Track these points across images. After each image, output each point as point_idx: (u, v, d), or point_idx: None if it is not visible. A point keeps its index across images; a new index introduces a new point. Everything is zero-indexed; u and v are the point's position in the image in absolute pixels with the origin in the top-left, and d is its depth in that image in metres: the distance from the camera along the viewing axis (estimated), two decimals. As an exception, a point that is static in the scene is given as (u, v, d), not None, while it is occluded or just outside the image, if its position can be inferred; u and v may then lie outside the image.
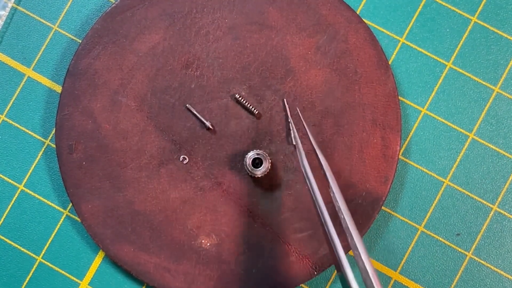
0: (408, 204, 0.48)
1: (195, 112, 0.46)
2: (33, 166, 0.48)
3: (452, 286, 0.47)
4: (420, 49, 0.49)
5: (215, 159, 0.47)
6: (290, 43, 0.47)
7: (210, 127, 0.46)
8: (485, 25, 0.49)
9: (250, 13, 0.48)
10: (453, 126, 0.48)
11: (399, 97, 0.48)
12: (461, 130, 0.48)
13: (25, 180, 0.48)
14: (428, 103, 0.49)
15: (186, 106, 0.46)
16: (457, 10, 0.49)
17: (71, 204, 0.48)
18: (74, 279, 0.48)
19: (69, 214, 0.48)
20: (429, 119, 0.49)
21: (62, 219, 0.48)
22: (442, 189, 0.48)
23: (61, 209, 0.48)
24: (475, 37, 0.49)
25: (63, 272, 0.48)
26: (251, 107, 0.47)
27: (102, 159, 0.47)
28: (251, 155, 0.45)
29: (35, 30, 0.49)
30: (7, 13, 0.49)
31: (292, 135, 0.46)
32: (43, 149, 0.49)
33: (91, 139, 0.47)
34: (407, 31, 0.49)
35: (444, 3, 0.49)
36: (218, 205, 0.46)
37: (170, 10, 0.48)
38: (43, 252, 0.48)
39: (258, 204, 0.46)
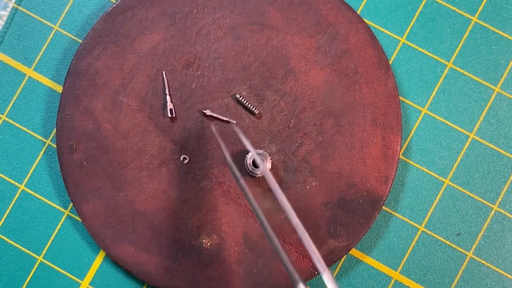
0: (408, 204, 0.48)
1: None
2: (34, 166, 0.48)
3: (453, 286, 0.47)
4: (421, 49, 0.49)
5: (215, 159, 0.47)
6: (291, 43, 0.47)
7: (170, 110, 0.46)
8: (486, 25, 0.49)
9: (250, 13, 0.48)
10: (453, 126, 0.49)
11: (400, 97, 0.48)
12: (461, 130, 0.48)
13: (26, 180, 0.48)
14: (428, 103, 0.49)
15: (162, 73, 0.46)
16: (457, 10, 0.49)
17: (71, 204, 0.48)
18: (75, 279, 0.48)
19: (69, 214, 0.48)
20: (429, 119, 0.49)
21: (63, 219, 0.48)
22: (443, 189, 0.48)
23: (62, 209, 0.48)
24: (476, 37, 0.49)
25: (64, 272, 0.48)
26: (251, 107, 0.47)
27: (103, 159, 0.47)
28: (251, 155, 0.45)
29: (36, 30, 0.49)
30: (8, 13, 0.49)
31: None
32: (44, 149, 0.49)
33: (92, 139, 0.47)
34: (407, 31, 0.49)
35: (444, 3, 0.49)
36: (218, 205, 0.46)
37: (171, 10, 0.48)
38: (44, 252, 0.48)
39: (258, 204, 0.46)
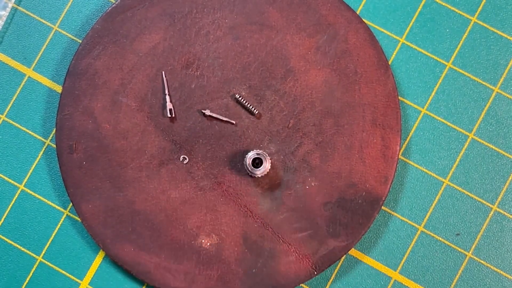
0: (408, 204, 0.48)
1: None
2: (34, 166, 0.49)
3: (452, 286, 0.47)
4: (420, 49, 0.49)
5: (215, 159, 0.47)
6: (290, 43, 0.47)
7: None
8: (485, 25, 0.49)
9: (250, 13, 0.48)
10: (453, 126, 0.49)
11: (399, 97, 0.48)
12: (461, 130, 0.49)
13: (25, 180, 0.48)
14: (428, 103, 0.49)
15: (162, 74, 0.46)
16: (457, 10, 0.49)
17: (71, 204, 0.48)
18: (75, 279, 0.48)
19: (69, 214, 0.48)
20: (429, 119, 0.49)
21: (62, 219, 0.48)
22: (442, 189, 0.48)
23: (62, 209, 0.48)
24: (475, 37, 0.49)
25: (63, 272, 0.48)
26: (251, 107, 0.47)
27: (103, 159, 0.47)
28: (251, 155, 0.45)
29: (36, 30, 0.49)
30: (8, 13, 0.49)
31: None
32: (43, 149, 0.49)
33: (91, 139, 0.47)
34: (407, 31, 0.49)
35: (444, 3, 0.49)
36: (218, 205, 0.46)
37: (170, 10, 0.48)
38: (43, 252, 0.48)
39: (258, 204, 0.46)
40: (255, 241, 0.46)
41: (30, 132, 0.49)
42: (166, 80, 0.47)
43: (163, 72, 0.47)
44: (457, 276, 0.47)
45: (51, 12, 0.50)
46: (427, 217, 0.48)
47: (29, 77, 0.49)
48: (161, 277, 0.46)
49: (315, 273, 0.46)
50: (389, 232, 0.48)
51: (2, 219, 0.48)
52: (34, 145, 0.49)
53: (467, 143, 0.48)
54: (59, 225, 0.48)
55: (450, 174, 0.48)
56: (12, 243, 0.48)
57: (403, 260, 0.48)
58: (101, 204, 0.46)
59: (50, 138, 0.49)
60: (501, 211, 0.48)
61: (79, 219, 0.48)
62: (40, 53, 0.49)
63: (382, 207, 0.48)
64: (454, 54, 0.49)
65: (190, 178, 0.47)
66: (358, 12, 0.49)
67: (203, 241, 0.46)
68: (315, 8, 0.48)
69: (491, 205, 0.48)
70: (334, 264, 0.47)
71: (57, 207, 0.48)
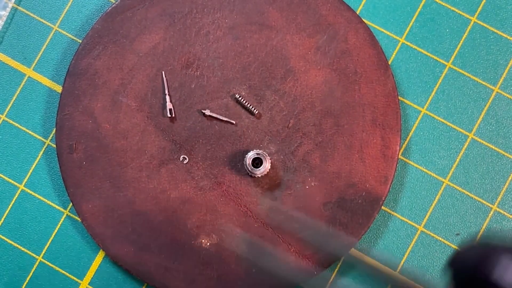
0: (407, 204, 0.48)
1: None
2: (34, 166, 0.49)
3: (452, 285, 0.47)
4: (420, 49, 0.49)
5: (215, 159, 0.47)
6: (290, 43, 0.47)
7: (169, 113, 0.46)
8: (485, 25, 0.49)
9: (250, 13, 0.48)
10: (452, 126, 0.49)
11: (399, 97, 0.48)
12: (460, 130, 0.49)
13: (25, 180, 0.48)
14: (427, 103, 0.49)
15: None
16: (456, 10, 0.49)
17: (71, 204, 0.48)
18: (75, 279, 0.48)
19: (69, 214, 0.48)
20: (428, 119, 0.49)
21: (62, 219, 0.48)
22: (442, 189, 0.48)
23: (62, 209, 0.48)
24: (475, 37, 0.49)
25: (63, 272, 0.48)
26: (251, 107, 0.47)
27: (103, 159, 0.47)
28: (251, 155, 0.45)
29: (36, 30, 0.50)
30: (8, 13, 0.49)
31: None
32: (43, 149, 0.49)
33: (91, 139, 0.47)
34: (407, 31, 0.49)
35: (443, 3, 0.49)
36: (218, 205, 0.46)
37: (170, 10, 0.48)
38: (43, 252, 0.48)
39: (258, 204, 0.46)
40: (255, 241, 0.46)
41: (30, 132, 0.49)
42: (166, 80, 0.47)
43: (163, 72, 0.47)
44: (457, 276, 0.47)
45: (51, 12, 0.50)
46: (427, 217, 0.48)
47: (29, 77, 0.49)
48: (161, 277, 0.46)
49: (315, 273, 0.46)
50: (389, 232, 0.48)
51: (2, 219, 0.48)
52: (34, 145, 0.49)
53: (467, 143, 0.48)
54: (59, 225, 0.48)
55: (450, 174, 0.48)
56: (12, 243, 0.48)
57: (403, 260, 0.48)
58: (101, 204, 0.46)
59: (50, 138, 0.49)
60: (501, 211, 0.48)
61: (79, 219, 0.48)
62: (40, 53, 0.49)
63: (382, 207, 0.48)
64: (454, 54, 0.49)
65: (190, 178, 0.47)
66: (358, 12, 0.49)
67: (203, 241, 0.46)
68: (315, 8, 0.48)
69: (491, 205, 0.48)
70: (335, 264, 0.47)
71: (57, 207, 0.48)
